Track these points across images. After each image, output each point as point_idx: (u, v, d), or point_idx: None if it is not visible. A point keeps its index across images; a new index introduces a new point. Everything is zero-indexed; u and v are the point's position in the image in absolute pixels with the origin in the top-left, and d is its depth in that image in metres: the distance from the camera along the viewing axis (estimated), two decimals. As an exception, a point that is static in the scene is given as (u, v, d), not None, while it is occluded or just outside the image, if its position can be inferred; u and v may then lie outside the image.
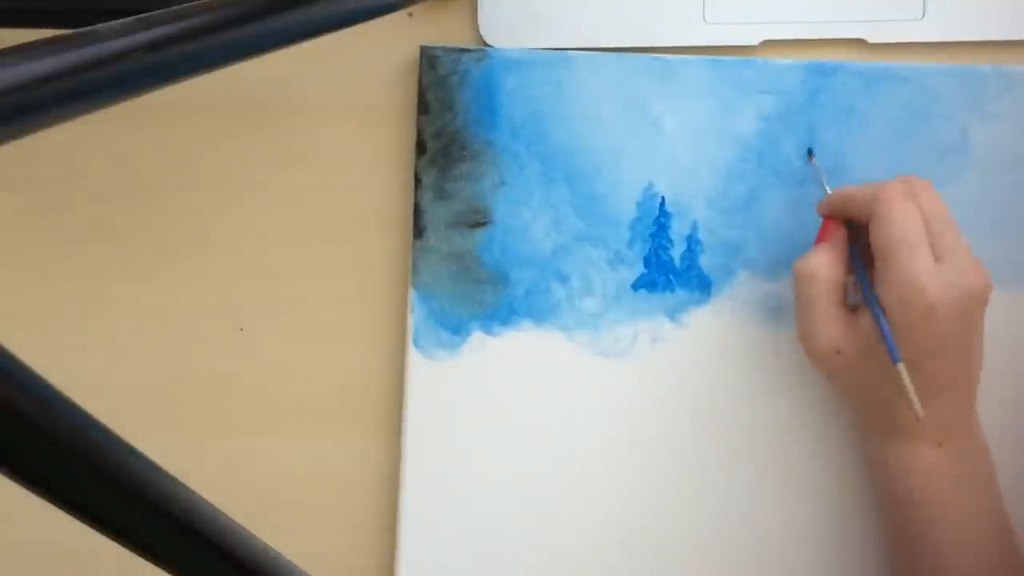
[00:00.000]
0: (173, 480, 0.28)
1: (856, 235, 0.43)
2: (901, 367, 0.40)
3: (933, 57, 0.48)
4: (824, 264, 0.42)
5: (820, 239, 0.44)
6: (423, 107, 0.48)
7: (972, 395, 0.42)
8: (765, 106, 0.48)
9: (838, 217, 0.44)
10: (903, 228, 0.40)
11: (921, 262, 0.40)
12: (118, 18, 0.30)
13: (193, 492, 0.29)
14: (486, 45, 0.49)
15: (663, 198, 0.48)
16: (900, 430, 0.42)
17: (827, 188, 0.46)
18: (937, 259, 0.40)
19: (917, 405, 0.40)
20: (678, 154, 0.48)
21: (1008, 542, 0.42)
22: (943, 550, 0.41)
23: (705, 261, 0.48)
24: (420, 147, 0.48)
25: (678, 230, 0.48)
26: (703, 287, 0.48)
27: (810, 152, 0.47)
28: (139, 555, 0.28)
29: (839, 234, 0.43)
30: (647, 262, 0.48)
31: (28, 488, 0.24)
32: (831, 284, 0.42)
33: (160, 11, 0.31)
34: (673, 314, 0.48)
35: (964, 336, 0.41)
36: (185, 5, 0.32)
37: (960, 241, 0.41)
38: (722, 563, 0.48)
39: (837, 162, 0.48)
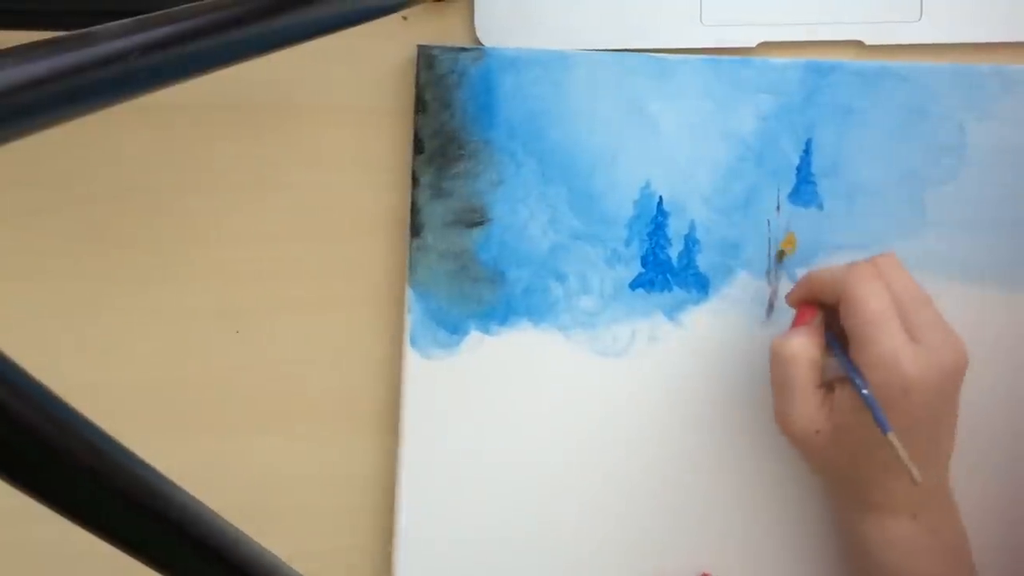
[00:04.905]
0: (169, 482, 0.28)
1: (830, 317, 0.43)
2: (892, 435, 0.39)
3: (930, 58, 0.48)
4: (804, 346, 0.42)
5: (797, 323, 0.44)
6: (420, 106, 0.48)
7: (946, 466, 0.42)
8: (763, 106, 0.48)
9: (810, 301, 0.44)
10: (872, 308, 0.40)
11: (893, 339, 0.39)
12: (114, 20, 0.30)
13: (189, 494, 0.29)
14: (481, 46, 0.49)
15: (660, 197, 0.48)
16: (876, 505, 0.42)
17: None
18: (912, 337, 0.40)
19: (914, 471, 0.39)
20: (675, 153, 0.48)
21: None
22: None
23: (702, 260, 0.48)
24: (417, 146, 0.48)
25: (675, 229, 0.48)
26: (700, 286, 0.48)
27: (781, 253, 0.48)
28: (134, 557, 0.28)
29: (814, 316, 0.43)
30: (644, 261, 0.48)
31: (22, 491, 0.24)
32: (810, 365, 0.42)
33: (156, 13, 0.31)
34: (671, 313, 0.48)
35: (940, 411, 0.41)
36: (181, 7, 0.32)
37: (935, 315, 0.41)
38: (722, 561, 0.48)
39: (835, 162, 0.48)
